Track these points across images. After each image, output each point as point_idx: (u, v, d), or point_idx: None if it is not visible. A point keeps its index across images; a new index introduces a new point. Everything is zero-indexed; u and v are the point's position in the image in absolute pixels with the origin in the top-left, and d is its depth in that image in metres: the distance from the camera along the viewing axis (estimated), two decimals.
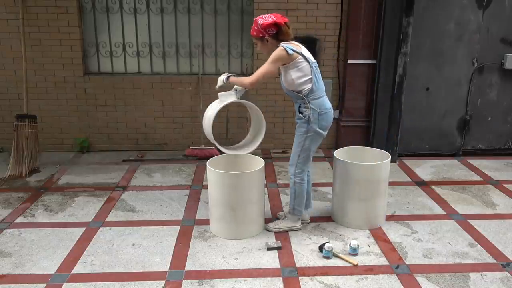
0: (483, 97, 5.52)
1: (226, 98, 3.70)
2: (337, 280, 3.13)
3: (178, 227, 3.83)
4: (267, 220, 3.86)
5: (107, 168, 5.16)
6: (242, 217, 3.60)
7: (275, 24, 3.28)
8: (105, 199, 4.37)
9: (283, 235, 3.70)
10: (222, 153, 3.91)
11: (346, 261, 3.33)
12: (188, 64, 5.68)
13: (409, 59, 5.13)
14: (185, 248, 3.50)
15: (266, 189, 4.47)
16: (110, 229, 3.80)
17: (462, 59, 5.36)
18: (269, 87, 5.46)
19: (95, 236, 3.67)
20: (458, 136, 5.63)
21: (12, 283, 3.08)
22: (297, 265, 3.29)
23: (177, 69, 5.70)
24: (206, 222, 3.87)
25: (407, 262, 3.35)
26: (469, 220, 4.00)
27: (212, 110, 3.77)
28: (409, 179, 4.93)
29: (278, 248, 3.49)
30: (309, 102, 3.37)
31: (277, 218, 3.91)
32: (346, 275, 3.18)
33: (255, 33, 3.35)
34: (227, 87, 3.65)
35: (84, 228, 3.80)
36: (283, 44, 3.28)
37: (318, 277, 3.15)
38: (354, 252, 3.41)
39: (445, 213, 4.14)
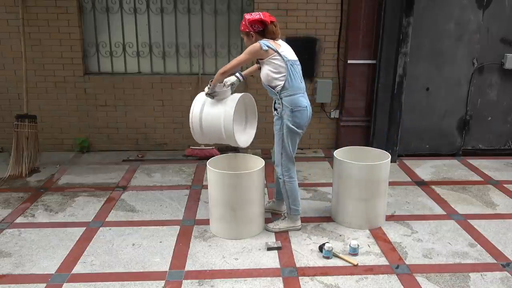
0: (483, 97, 5.52)
1: (224, 95, 3.66)
2: (337, 280, 3.13)
3: (178, 227, 3.83)
4: (267, 220, 3.86)
5: (107, 168, 5.16)
6: (242, 217, 3.60)
7: (261, 22, 3.39)
8: (105, 199, 4.37)
9: (283, 235, 3.70)
10: (223, 152, 3.87)
11: (346, 261, 3.33)
12: (188, 64, 5.68)
13: (409, 59, 5.13)
14: (185, 248, 3.50)
15: (266, 189, 4.47)
16: (110, 229, 3.80)
17: (462, 59, 5.36)
18: None
19: (95, 236, 3.67)
20: (458, 136, 5.63)
21: (12, 283, 3.08)
22: (297, 265, 3.29)
23: (177, 69, 5.70)
24: (206, 222, 3.87)
25: (407, 262, 3.35)
26: (469, 220, 4.00)
27: (224, 108, 3.60)
28: (409, 179, 4.93)
29: (278, 248, 3.49)
30: (281, 98, 3.44)
31: (274, 213, 3.92)
32: (346, 275, 3.18)
33: (242, 28, 3.49)
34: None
35: (84, 228, 3.80)
36: (261, 41, 3.39)
37: (318, 277, 3.15)
38: (354, 252, 3.41)
39: (445, 213, 4.14)
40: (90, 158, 5.49)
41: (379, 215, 3.86)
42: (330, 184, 4.20)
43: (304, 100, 3.49)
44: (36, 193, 4.50)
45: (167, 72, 5.69)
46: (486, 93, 5.51)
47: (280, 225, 3.76)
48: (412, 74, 5.27)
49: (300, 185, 3.90)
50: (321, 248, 3.43)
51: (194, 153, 5.49)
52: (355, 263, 3.30)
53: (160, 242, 3.60)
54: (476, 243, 3.62)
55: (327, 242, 3.45)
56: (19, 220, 3.95)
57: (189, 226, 3.85)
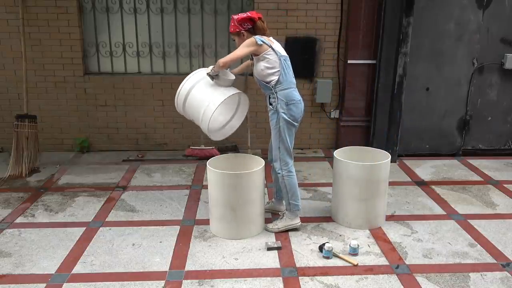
0: (483, 97, 5.52)
1: (224, 82, 3.61)
2: (337, 280, 3.13)
3: (178, 227, 3.83)
4: (267, 220, 3.86)
5: (107, 168, 5.16)
6: (242, 217, 3.60)
7: (250, 19, 3.45)
8: (105, 199, 4.37)
9: (283, 235, 3.70)
10: (223, 152, 3.84)
11: (346, 261, 3.33)
12: (188, 64, 5.68)
13: (409, 59, 5.13)
14: (185, 248, 3.50)
15: (266, 189, 4.47)
16: (110, 229, 3.80)
17: (462, 59, 5.36)
18: None
19: (95, 236, 3.67)
20: (458, 136, 5.63)
21: (12, 283, 3.08)
22: (297, 265, 3.29)
23: (177, 69, 5.70)
24: (206, 222, 3.87)
25: (407, 262, 3.35)
26: (469, 220, 4.00)
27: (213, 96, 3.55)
28: (409, 179, 4.93)
29: (278, 248, 3.49)
30: (276, 92, 3.49)
31: (273, 212, 3.92)
32: (346, 275, 3.18)
33: (231, 29, 3.52)
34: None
35: (84, 228, 3.80)
36: (255, 36, 3.43)
37: (318, 277, 3.15)
38: (354, 252, 3.41)
39: (445, 213, 4.14)
40: (90, 158, 5.49)
41: (379, 215, 3.86)
42: (330, 184, 4.20)
43: (297, 94, 3.57)
44: (36, 193, 4.50)
45: (167, 72, 5.69)
46: (486, 93, 5.51)
47: (278, 224, 3.76)
48: (412, 74, 5.27)
49: (300, 185, 3.90)
50: (321, 248, 3.43)
51: (194, 153, 5.49)
52: (355, 263, 3.30)
53: (160, 242, 3.60)
54: (476, 243, 3.62)
55: (327, 242, 3.45)
56: (19, 220, 3.95)
57: (189, 226, 3.85)
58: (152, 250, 3.48)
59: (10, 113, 5.38)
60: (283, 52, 3.54)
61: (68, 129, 5.65)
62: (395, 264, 3.32)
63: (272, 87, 3.49)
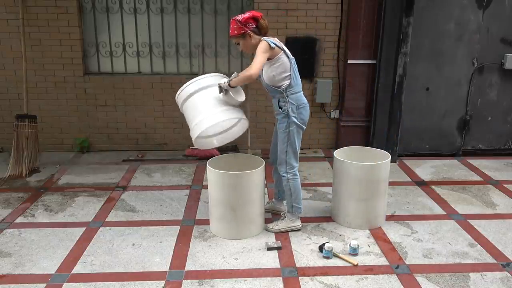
0: (483, 97, 5.52)
1: (231, 100, 3.43)
2: (337, 280, 3.13)
3: (178, 227, 3.83)
4: (267, 220, 3.86)
5: (107, 168, 5.16)
6: (242, 217, 3.60)
7: (253, 18, 3.36)
8: (105, 199, 4.37)
9: (283, 235, 3.70)
10: (223, 152, 3.80)
11: (346, 261, 3.33)
12: (188, 64, 5.68)
13: (409, 59, 5.13)
14: (185, 248, 3.50)
15: (266, 189, 4.47)
16: (110, 229, 3.80)
17: (462, 59, 5.36)
18: None
19: (95, 236, 3.67)
20: (458, 136, 5.63)
21: (12, 283, 3.08)
22: (297, 265, 3.29)
23: (177, 69, 5.70)
24: (206, 222, 3.87)
25: (407, 262, 3.35)
26: (469, 220, 4.00)
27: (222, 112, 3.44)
28: (409, 179, 4.92)
29: (278, 248, 3.49)
30: (287, 96, 3.44)
31: (274, 212, 3.92)
32: (346, 275, 3.18)
33: (235, 32, 3.37)
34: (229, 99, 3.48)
35: (84, 228, 3.80)
36: (265, 38, 3.34)
37: (318, 277, 3.15)
38: (354, 252, 3.41)
39: (445, 213, 4.14)
40: (90, 158, 5.49)
41: (379, 215, 3.86)
42: (330, 184, 4.20)
43: (304, 97, 3.55)
44: (36, 193, 4.50)
45: (167, 72, 5.69)
46: (486, 93, 5.51)
47: (279, 225, 3.76)
48: (412, 74, 5.27)
49: (300, 181, 3.89)
50: (321, 248, 3.43)
51: (194, 153, 5.49)
52: (355, 263, 3.30)
53: (160, 242, 3.60)
54: (476, 243, 3.62)
55: (327, 242, 3.45)
56: (19, 220, 3.95)
57: (189, 226, 3.85)
58: (152, 250, 3.48)
59: (10, 113, 5.38)
60: (290, 54, 3.46)
61: (68, 129, 5.65)
62: (395, 264, 3.32)
63: (283, 90, 3.42)
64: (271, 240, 3.62)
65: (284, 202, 3.96)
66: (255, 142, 5.60)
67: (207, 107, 3.45)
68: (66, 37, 5.34)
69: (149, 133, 5.73)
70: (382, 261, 3.36)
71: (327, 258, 3.37)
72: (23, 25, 5.11)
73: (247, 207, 3.59)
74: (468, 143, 5.67)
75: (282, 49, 3.38)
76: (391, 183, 4.42)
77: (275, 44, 3.33)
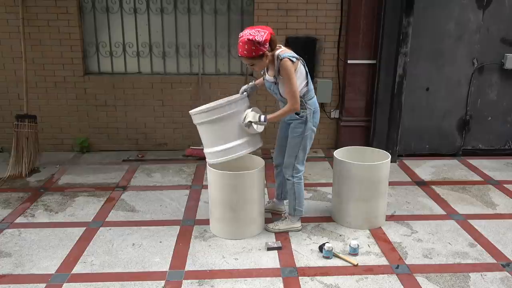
0: (483, 97, 5.51)
1: (254, 131, 3.40)
2: (337, 280, 3.13)
3: (178, 227, 3.83)
4: (267, 220, 3.86)
5: (107, 168, 5.16)
6: (242, 217, 3.60)
7: (270, 37, 3.21)
8: (105, 199, 4.37)
9: (283, 235, 3.70)
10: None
11: (346, 261, 3.33)
12: (188, 64, 5.68)
13: (409, 59, 5.13)
14: (185, 248, 3.50)
15: (266, 189, 4.47)
16: (110, 229, 3.80)
17: (462, 59, 5.36)
18: None
19: (95, 236, 3.67)
20: (458, 136, 5.63)
21: (12, 283, 3.08)
22: (297, 265, 3.29)
23: (177, 69, 5.70)
24: (206, 222, 3.86)
25: (407, 262, 3.35)
26: (469, 220, 4.00)
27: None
28: (409, 179, 4.92)
29: (278, 248, 3.49)
30: (306, 102, 3.39)
31: (274, 213, 3.92)
32: (346, 275, 3.18)
33: (254, 53, 3.16)
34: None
35: (84, 228, 3.80)
36: (284, 54, 3.22)
37: (318, 277, 3.15)
38: (354, 252, 3.41)
39: (445, 213, 4.14)
40: (90, 158, 5.49)
41: (379, 215, 3.86)
42: (330, 184, 4.20)
43: (316, 100, 3.53)
44: (36, 193, 4.50)
45: (167, 72, 5.69)
46: (486, 93, 5.50)
47: (280, 225, 3.76)
48: (412, 74, 5.27)
49: (304, 184, 3.89)
50: (321, 248, 3.43)
51: (194, 153, 5.49)
52: (355, 263, 3.30)
53: (160, 242, 3.60)
54: (476, 243, 3.62)
55: (327, 242, 3.45)
56: (19, 220, 3.95)
57: (189, 226, 3.85)
58: (152, 250, 3.48)
59: (10, 113, 5.38)
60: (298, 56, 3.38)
61: (68, 129, 5.64)
62: (395, 264, 3.32)
63: (302, 97, 3.36)
64: (271, 240, 3.62)
65: (285, 202, 3.96)
66: None
67: (233, 136, 3.41)
68: (66, 37, 5.34)
69: (149, 133, 5.73)
70: (382, 261, 3.36)
71: (327, 258, 3.37)
72: (23, 25, 5.10)
73: (247, 207, 3.59)
74: (468, 143, 5.67)
75: (298, 58, 3.31)
76: (391, 183, 4.42)
77: (295, 57, 3.24)
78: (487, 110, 5.56)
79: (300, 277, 3.15)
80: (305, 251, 3.48)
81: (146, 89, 5.57)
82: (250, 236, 3.66)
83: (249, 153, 3.59)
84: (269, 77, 3.46)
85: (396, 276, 3.18)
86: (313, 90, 3.49)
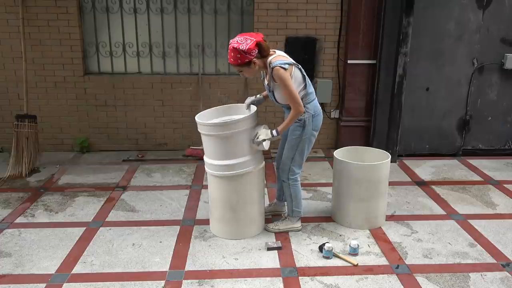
0: (483, 97, 5.51)
1: (261, 147, 3.42)
2: (337, 280, 3.13)
3: (178, 227, 3.83)
4: (267, 220, 3.86)
5: (107, 168, 5.16)
6: (242, 217, 3.60)
7: (257, 44, 3.20)
8: (105, 199, 4.37)
9: (283, 235, 3.70)
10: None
11: (346, 261, 3.33)
12: (188, 64, 5.68)
13: (409, 59, 5.13)
14: (185, 248, 3.50)
15: (266, 189, 4.47)
16: (110, 229, 3.80)
17: (462, 59, 5.36)
18: None
19: (95, 236, 3.67)
20: (458, 136, 5.63)
21: (12, 283, 3.08)
22: (297, 265, 3.29)
23: (177, 69, 5.70)
24: (206, 222, 3.86)
25: (407, 262, 3.35)
26: (469, 220, 4.00)
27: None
28: (409, 179, 4.92)
29: (278, 248, 3.49)
30: (304, 106, 3.36)
31: (275, 213, 3.92)
32: (346, 275, 3.18)
33: (239, 61, 3.20)
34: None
35: (84, 228, 3.80)
36: (276, 62, 3.22)
37: (318, 277, 3.15)
38: (354, 252, 3.41)
39: (445, 213, 4.14)
40: (90, 158, 5.49)
41: (379, 215, 3.86)
42: (330, 184, 4.20)
43: (318, 104, 3.50)
44: (36, 193, 4.50)
45: (167, 72, 5.69)
46: (486, 93, 5.50)
47: (280, 226, 3.76)
48: (412, 74, 5.27)
49: (300, 185, 3.90)
50: (321, 248, 3.43)
51: (194, 153, 5.49)
52: (355, 263, 3.30)
53: (160, 242, 3.60)
54: (476, 243, 3.62)
55: (327, 242, 3.45)
56: (19, 220, 3.95)
57: (189, 226, 3.85)
58: (152, 250, 3.48)
59: (10, 113, 5.38)
60: (294, 61, 3.36)
61: (68, 129, 5.64)
62: (395, 264, 3.32)
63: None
64: (271, 240, 3.62)
65: (285, 202, 3.95)
66: None
67: (240, 153, 3.42)
68: (66, 37, 5.34)
69: (149, 133, 5.73)
70: (382, 261, 3.36)
71: (327, 258, 3.37)
72: (23, 25, 5.10)
73: (247, 207, 3.59)
74: (468, 143, 5.67)
75: (292, 64, 3.29)
76: (391, 183, 4.42)
77: (287, 64, 3.23)
78: (487, 110, 5.56)
79: (300, 277, 3.15)
80: (305, 251, 3.48)
81: (146, 89, 5.57)
82: (250, 236, 3.66)
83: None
84: (266, 82, 3.48)
85: (396, 276, 3.18)
86: (314, 93, 3.46)
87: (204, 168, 3.66)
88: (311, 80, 5.56)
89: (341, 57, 5.55)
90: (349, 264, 3.30)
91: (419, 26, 5.15)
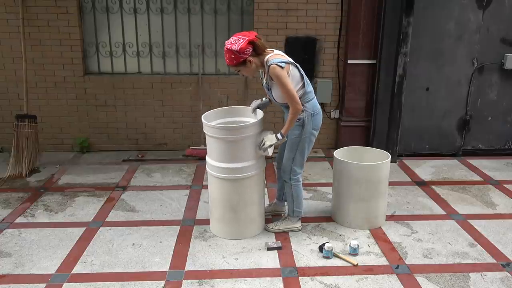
0: (483, 97, 5.51)
1: (266, 153, 3.45)
2: (337, 280, 3.13)
3: (178, 227, 3.83)
4: (267, 220, 3.86)
5: (107, 168, 5.16)
6: (242, 217, 3.60)
7: (249, 42, 3.21)
8: (105, 199, 4.37)
9: (283, 235, 3.70)
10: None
11: (346, 261, 3.33)
12: (188, 64, 5.68)
13: (409, 59, 5.13)
14: (185, 248, 3.50)
15: (266, 189, 4.47)
16: (110, 229, 3.80)
17: (462, 59, 5.36)
18: None
19: (95, 236, 3.67)
20: (458, 136, 5.63)
21: (12, 283, 3.08)
22: (297, 265, 3.30)
23: (177, 69, 5.70)
24: (206, 222, 3.87)
25: (407, 262, 3.35)
26: (469, 220, 4.00)
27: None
28: (409, 179, 4.92)
29: (278, 248, 3.49)
30: (303, 105, 3.36)
31: (276, 213, 3.92)
32: (346, 275, 3.18)
33: (234, 61, 3.24)
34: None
35: (84, 228, 3.80)
36: (273, 61, 3.22)
37: (318, 277, 3.15)
38: (354, 252, 3.41)
39: (445, 213, 4.14)
40: (90, 158, 5.49)
41: (379, 215, 3.86)
42: (330, 184, 4.20)
43: (318, 103, 3.49)
44: (36, 193, 4.50)
45: (167, 72, 5.69)
46: (486, 93, 5.50)
47: (280, 226, 3.76)
48: (412, 74, 5.27)
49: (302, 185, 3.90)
50: (321, 248, 3.43)
51: (194, 153, 5.49)
52: (355, 263, 3.30)
53: (160, 242, 3.60)
54: (476, 243, 3.63)
55: (327, 242, 3.45)
56: (19, 220, 3.95)
57: (189, 226, 3.85)
58: (152, 250, 3.48)
59: (10, 113, 5.38)
60: (293, 60, 3.36)
61: (68, 129, 5.64)
62: (395, 264, 3.32)
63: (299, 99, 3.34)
64: (271, 240, 3.62)
65: (286, 202, 3.95)
66: None
67: (245, 157, 3.45)
68: (66, 37, 5.34)
69: (149, 133, 5.73)
70: (382, 261, 3.36)
71: (327, 258, 3.37)
72: (23, 25, 5.10)
73: (247, 207, 3.58)
74: (468, 143, 5.67)
75: (289, 62, 3.29)
76: (391, 183, 4.42)
77: (284, 62, 3.23)
78: (487, 110, 5.56)
79: (300, 277, 3.15)
80: (305, 251, 3.48)
81: (146, 89, 5.57)
82: (250, 236, 3.66)
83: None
84: (264, 81, 3.48)
85: (396, 276, 3.18)
86: (313, 92, 3.46)
87: (205, 168, 3.66)
88: (311, 80, 5.57)
89: (341, 57, 5.55)
90: (349, 264, 3.30)
91: (419, 26, 5.15)
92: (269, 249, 3.48)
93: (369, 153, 4.04)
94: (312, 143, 3.57)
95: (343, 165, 3.76)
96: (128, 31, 5.53)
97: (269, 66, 3.23)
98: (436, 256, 3.44)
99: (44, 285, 3.06)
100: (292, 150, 3.51)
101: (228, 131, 3.40)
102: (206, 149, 5.40)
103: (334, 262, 3.34)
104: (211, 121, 3.55)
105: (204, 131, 3.52)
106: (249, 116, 3.64)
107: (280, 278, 3.14)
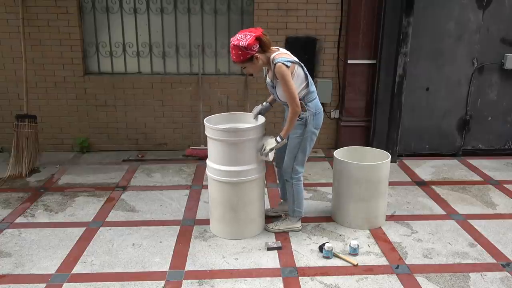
0: (483, 97, 5.51)
1: (267, 157, 3.47)
2: (337, 280, 3.13)
3: (178, 227, 3.83)
4: (268, 220, 3.86)
5: (107, 168, 5.16)
6: (242, 217, 3.60)
7: (256, 38, 3.20)
8: (105, 199, 4.37)
9: (283, 235, 3.70)
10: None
11: (346, 261, 3.33)
12: (188, 64, 5.68)
13: (409, 59, 5.13)
14: (185, 248, 3.50)
15: (266, 189, 4.47)
16: (110, 229, 3.80)
17: (462, 59, 5.36)
18: None
19: (95, 236, 3.67)
20: (458, 136, 5.63)
21: (12, 283, 3.08)
22: (297, 265, 3.30)
23: (177, 69, 5.70)
24: (206, 222, 3.87)
25: (407, 262, 3.35)
26: (469, 220, 4.00)
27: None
28: (409, 179, 4.92)
29: (278, 248, 3.49)
30: (306, 104, 3.37)
31: (279, 215, 3.91)
32: (346, 275, 3.18)
33: (241, 58, 3.23)
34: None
35: (84, 228, 3.80)
36: (278, 59, 3.22)
37: (318, 277, 3.15)
38: (354, 252, 3.41)
39: (445, 213, 4.14)
40: (90, 158, 5.49)
41: (379, 215, 3.86)
42: (330, 184, 4.20)
43: (319, 102, 3.50)
44: (36, 193, 4.50)
45: (167, 72, 5.69)
46: (486, 93, 5.50)
47: (280, 226, 3.75)
48: (412, 74, 5.27)
49: (303, 185, 3.89)
50: (321, 248, 3.43)
51: (194, 153, 5.49)
52: (355, 263, 3.30)
53: (160, 242, 3.60)
54: (476, 243, 3.63)
55: (327, 242, 3.45)
56: (19, 220, 3.95)
57: (189, 226, 3.85)
58: (152, 250, 3.48)
59: (10, 113, 5.38)
60: (297, 59, 3.36)
61: (68, 129, 5.64)
62: (395, 264, 3.32)
63: (302, 99, 3.35)
64: (271, 240, 3.62)
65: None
66: None
67: (247, 160, 3.48)
68: (66, 37, 5.34)
69: (149, 133, 5.73)
70: (382, 261, 3.36)
71: (327, 258, 3.37)
72: (23, 25, 5.10)
73: (247, 207, 3.58)
74: (468, 143, 5.67)
75: (294, 62, 3.29)
76: (391, 183, 4.42)
77: (290, 61, 3.22)
78: (487, 110, 5.56)
79: (300, 277, 3.15)
80: (305, 251, 3.48)
81: (146, 89, 5.57)
82: (250, 236, 3.66)
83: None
84: (268, 79, 3.48)
85: (396, 276, 3.18)
86: (315, 92, 3.47)
87: (205, 168, 3.66)
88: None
89: (341, 57, 5.55)
90: (349, 264, 3.30)
91: (419, 26, 5.15)
92: (269, 249, 3.48)
93: (369, 153, 4.04)
94: (313, 142, 3.57)
95: (343, 165, 3.76)
96: (128, 31, 5.54)
97: (275, 64, 3.23)
98: (436, 256, 3.44)
99: (44, 285, 3.05)
100: (295, 149, 3.51)
101: (230, 133, 3.41)
102: (206, 149, 5.43)
103: (334, 262, 3.34)
104: (213, 125, 3.55)
105: (206, 133, 3.53)
106: (251, 123, 3.67)
107: (280, 278, 3.14)
